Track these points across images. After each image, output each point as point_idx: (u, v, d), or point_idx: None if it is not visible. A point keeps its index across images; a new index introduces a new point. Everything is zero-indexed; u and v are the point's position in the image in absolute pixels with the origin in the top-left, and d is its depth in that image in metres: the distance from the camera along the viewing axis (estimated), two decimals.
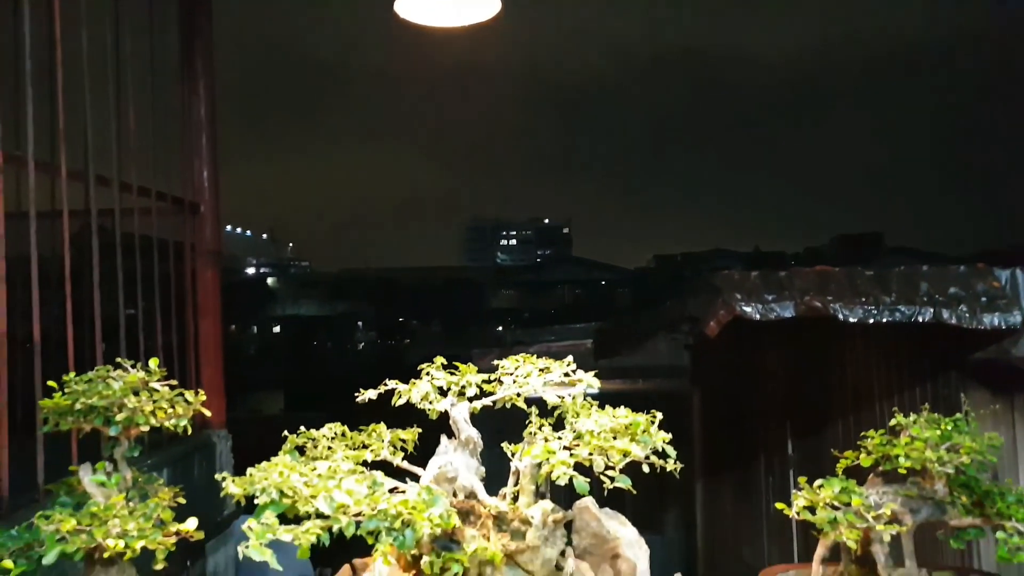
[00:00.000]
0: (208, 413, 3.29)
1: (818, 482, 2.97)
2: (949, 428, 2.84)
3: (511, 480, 3.35)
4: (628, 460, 2.92)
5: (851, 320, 4.97)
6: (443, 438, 3.29)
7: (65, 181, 5.22)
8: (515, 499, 3.29)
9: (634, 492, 2.85)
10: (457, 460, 3.31)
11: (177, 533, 2.99)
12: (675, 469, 2.94)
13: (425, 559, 2.94)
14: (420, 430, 3.74)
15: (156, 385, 3.16)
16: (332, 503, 2.46)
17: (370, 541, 2.45)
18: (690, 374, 9.38)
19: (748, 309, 5.29)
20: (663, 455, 2.97)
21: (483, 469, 3.34)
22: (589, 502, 3.40)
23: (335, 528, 2.42)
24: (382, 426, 3.58)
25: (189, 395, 3.23)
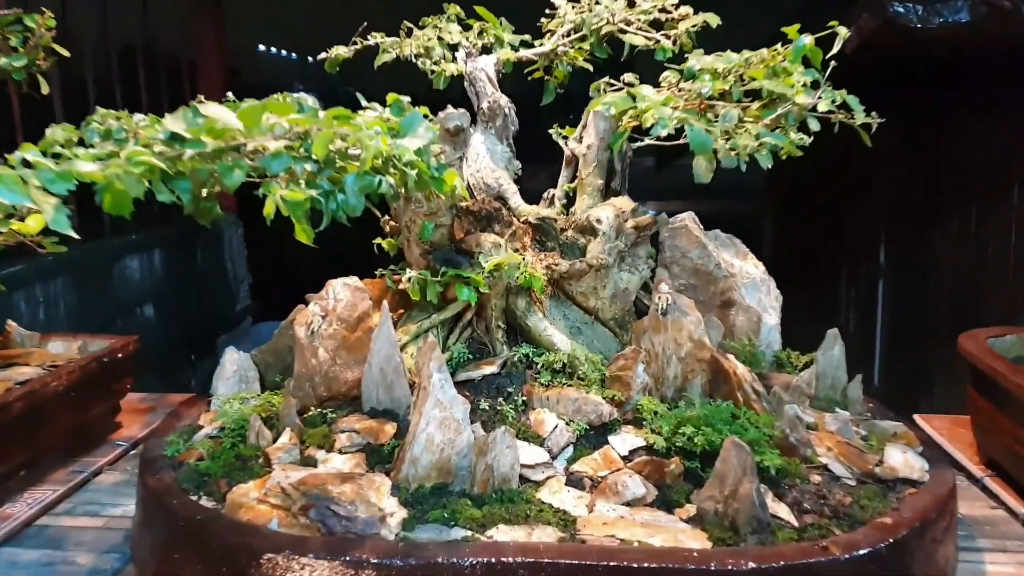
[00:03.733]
0: (62, 50, 2.00)
1: None
2: None
3: (563, 175, 2.06)
4: (782, 112, 1.57)
5: None
6: (448, 108, 1.96)
7: None
8: (569, 203, 2.01)
9: (799, 152, 1.53)
10: (475, 140, 2.01)
11: None
12: (871, 122, 1.58)
13: (412, 276, 1.71)
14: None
15: None
16: (192, 122, 1.18)
17: (269, 201, 1.16)
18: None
19: (902, 11, 3.73)
20: (844, 107, 1.61)
21: (518, 163, 2.05)
22: (688, 219, 2.09)
23: (188, 159, 1.15)
24: None
25: (31, 19, 1.94)
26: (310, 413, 1.67)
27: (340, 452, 1.56)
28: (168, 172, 1.16)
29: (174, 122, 1.20)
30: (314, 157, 1.20)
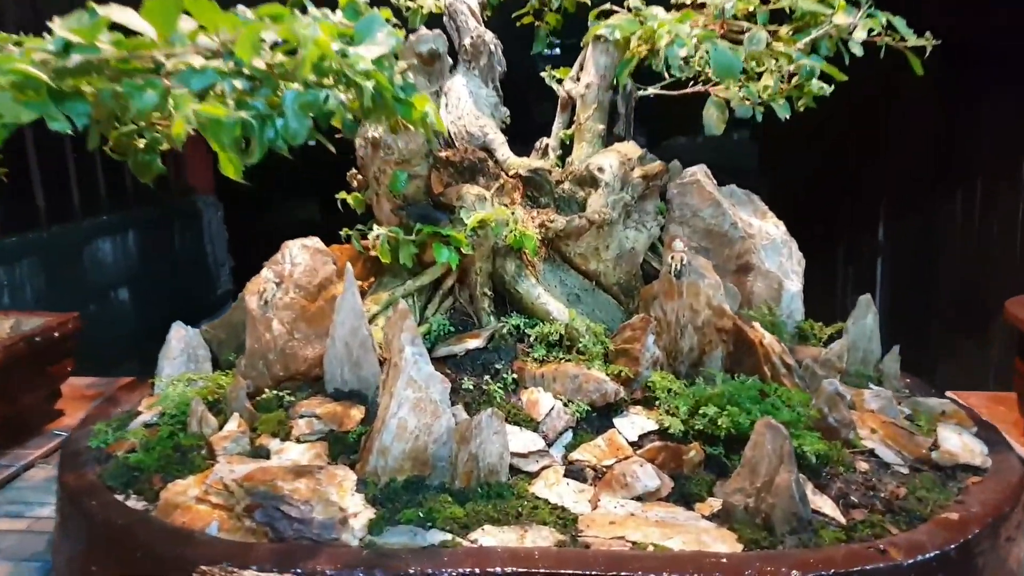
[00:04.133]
0: None
1: None
2: None
3: (557, 121, 1.81)
4: (818, 35, 1.33)
5: None
6: (422, 29, 1.71)
7: None
8: (565, 154, 1.76)
9: (829, 88, 1.29)
10: (456, 83, 1.76)
11: None
12: (925, 44, 1.34)
13: (379, 235, 1.46)
14: None
15: None
16: (85, 23, 0.93)
17: (179, 119, 0.90)
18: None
19: None
20: (891, 27, 1.36)
21: (505, 109, 1.80)
22: (700, 172, 1.85)
23: (77, 67, 0.90)
24: None
25: None
26: (264, 396, 1.43)
27: (298, 441, 1.33)
28: (57, 90, 0.91)
29: (62, 25, 0.95)
30: (246, 72, 0.95)
